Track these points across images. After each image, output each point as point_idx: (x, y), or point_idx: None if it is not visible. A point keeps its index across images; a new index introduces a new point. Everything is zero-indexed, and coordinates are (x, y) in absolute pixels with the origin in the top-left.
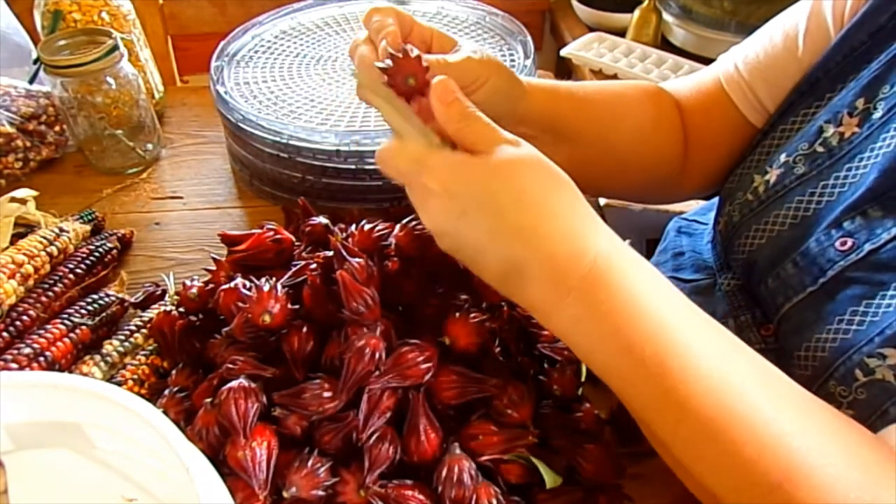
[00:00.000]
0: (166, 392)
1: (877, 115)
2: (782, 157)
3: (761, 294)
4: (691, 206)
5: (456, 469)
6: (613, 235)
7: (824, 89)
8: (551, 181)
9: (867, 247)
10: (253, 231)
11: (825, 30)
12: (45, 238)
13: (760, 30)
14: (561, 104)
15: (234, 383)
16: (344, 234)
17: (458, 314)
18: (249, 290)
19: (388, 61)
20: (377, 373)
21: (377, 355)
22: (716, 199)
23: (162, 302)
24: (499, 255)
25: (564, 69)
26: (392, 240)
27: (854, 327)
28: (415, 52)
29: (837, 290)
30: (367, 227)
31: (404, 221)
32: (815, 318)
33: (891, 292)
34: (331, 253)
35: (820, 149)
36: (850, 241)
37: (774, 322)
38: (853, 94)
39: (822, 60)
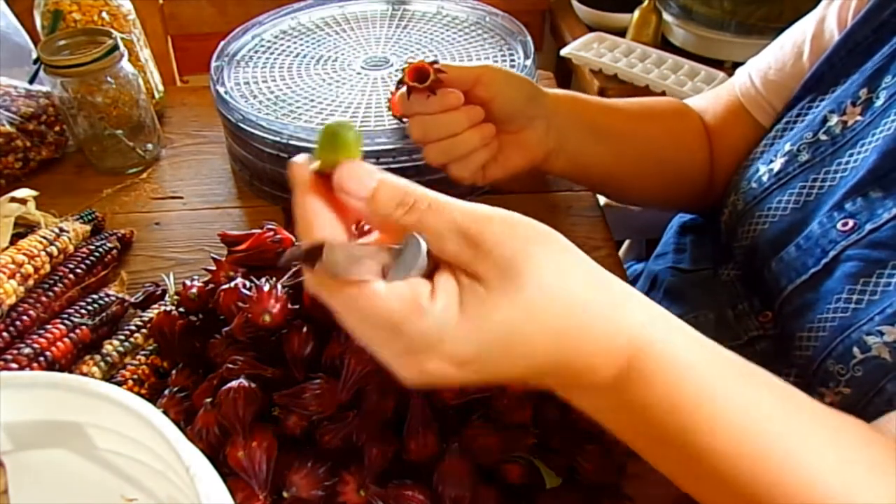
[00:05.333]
0: (166, 392)
1: (878, 102)
2: (786, 147)
3: (764, 279)
4: None
5: (456, 469)
6: (643, 307)
7: (829, 83)
8: (566, 262)
9: (868, 226)
10: (253, 231)
11: (830, 34)
12: (45, 238)
13: (774, 42)
14: (589, 106)
15: (234, 383)
16: None
17: None
18: (249, 290)
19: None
20: (377, 373)
21: None
22: None
23: (162, 302)
24: (526, 377)
25: (564, 69)
26: None
27: (853, 306)
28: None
29: (836, 269)
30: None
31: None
32: (815, 298)
33: (889, 271)
34: None
35: (823, 137)
36: (851, 222)
37: (776, 306)
38: (857, 85)
39: (827, 56)
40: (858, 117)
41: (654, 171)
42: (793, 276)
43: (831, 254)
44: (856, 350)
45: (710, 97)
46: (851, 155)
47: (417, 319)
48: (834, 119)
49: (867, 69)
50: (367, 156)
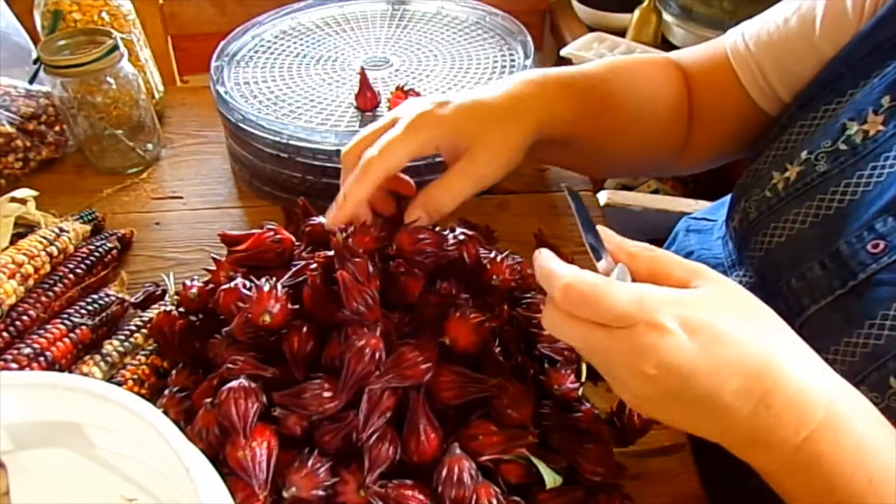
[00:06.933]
0: (166, 392)
1: None
2: (803, 155)
3: (782, 293)
4: (697, 207)
5: (456, 469)
6: (836, 375)
7: (847, 85)
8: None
9: None
10: (253, 231)
11: (845, 15)
12: (45, 238)
13: (773, 8)
14: (564, 123)
15: (234, 383)
16: (344, 234)
17: (458, 314)
18: (249, 290)
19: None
20: (377, 373)
21: (377, 355)
22: (725, 198)
23: (162, 302)
24: (739, 390)
25: None
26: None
27: (886, 332)
28: None
29: (866, 293)
30: (367, 226)
31: (407, 223)
32: (842, 320)
33: None
34: (331, 253)
35: (843, 146)
36: (882, 244)
37: (797, 324)
38: (878, 92)
39: (845, 55)
40: (881, 127)
41: (616, 139)
42: (817, 295)
43: (861, 276)
44: (892, 381)
45: (700, 55)
46: (875, 168)
47: (653, 290)
48: (854, 127)
49: (889, 74)
50: None
